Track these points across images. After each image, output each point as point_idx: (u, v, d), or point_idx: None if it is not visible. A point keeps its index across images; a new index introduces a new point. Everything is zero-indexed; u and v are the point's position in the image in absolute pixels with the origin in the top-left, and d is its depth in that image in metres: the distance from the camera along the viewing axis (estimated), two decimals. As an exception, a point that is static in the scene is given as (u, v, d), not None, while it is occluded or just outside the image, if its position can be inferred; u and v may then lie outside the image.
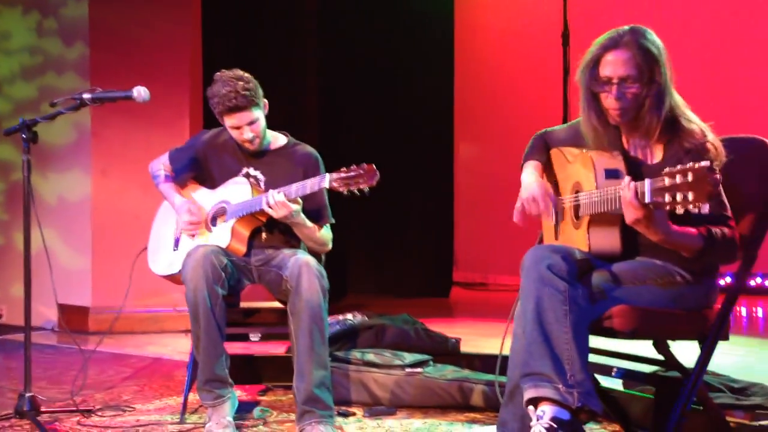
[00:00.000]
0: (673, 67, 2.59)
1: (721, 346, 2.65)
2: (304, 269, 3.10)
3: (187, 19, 6.02)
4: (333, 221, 3.41)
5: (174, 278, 3.38)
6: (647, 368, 3.02)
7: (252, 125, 3.31)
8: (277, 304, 3.37)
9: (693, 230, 2.47)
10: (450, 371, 3.67)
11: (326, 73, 7.14)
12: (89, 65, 5.67)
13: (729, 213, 2.55)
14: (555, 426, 2.35)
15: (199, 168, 3.51)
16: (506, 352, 2.68)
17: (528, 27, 8.12)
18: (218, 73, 3.32)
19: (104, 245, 5.64)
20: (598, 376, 2.82)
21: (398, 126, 7.46)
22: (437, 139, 7.68)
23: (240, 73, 3.30)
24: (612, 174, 2.54)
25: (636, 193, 2.32)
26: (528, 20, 8.16)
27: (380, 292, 7.49)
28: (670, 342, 2.63)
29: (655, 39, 2.57)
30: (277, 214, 3.17)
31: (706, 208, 2.17)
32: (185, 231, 3.40)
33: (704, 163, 2.15)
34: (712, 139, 2.55)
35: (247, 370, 3.88)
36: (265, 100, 3.36)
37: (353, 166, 2.99)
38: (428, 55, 7.48)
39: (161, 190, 3.53)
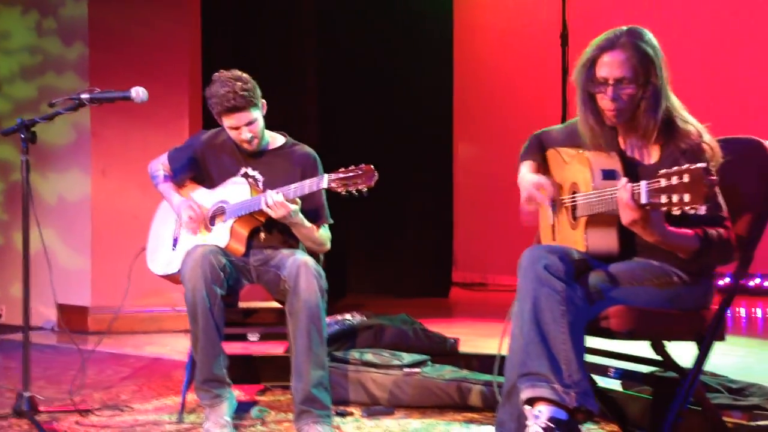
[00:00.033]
0: (672, 68, 2.59)
1: (721, 347, 2.65)
2: (302, 269, 3.10)
3: (186, 19, 6.03)
4: (331, 221, 3.42)
5: (173, 278, 3.38)
6: (645, 369, 3.02)
7: (250, 126, 3.31)
8: (275, 305, 3.36)
9: (689, 231, 2.47)
10: (448, 371, 3.67)
11: (325, 73, 7.12)
12: (88, 65, 5.67)
13: (725, 214, 2.55)
14: (552, 426, 2.35)
15: (197, 168, 3.51)
16: (504, 352, 2.68)
17: (527, 27, 8.11)
18: (217, 74, 3.33)
19: (103, 245, 5.64)
20: (595, 377, 2.82)
21: (397, 126, 7.44)
22: (436, 139, 7.66)
23: (238, 73, 3.30)
24: (609, 174, 2.54)
25: (632, 194, 2.32)
26: (527, 20, 8.15)
27: (379, 292, 7.47)
28: (667, 342, 2.64)
29: (652, 40, 2.57)
30: (275, 214, 3.17)
31: (702, 209, 2.17)
32: (187, 227, 3.40)
33: (700, 165, 2.15)
34: (709, 140, 2.55)
35: (245, 370, 3.87)
36: (264, 101, 3.37)
37: (351, 167, 3.00)
38: (427, 56, 7.47)
39: (160, 190, 3.54)
